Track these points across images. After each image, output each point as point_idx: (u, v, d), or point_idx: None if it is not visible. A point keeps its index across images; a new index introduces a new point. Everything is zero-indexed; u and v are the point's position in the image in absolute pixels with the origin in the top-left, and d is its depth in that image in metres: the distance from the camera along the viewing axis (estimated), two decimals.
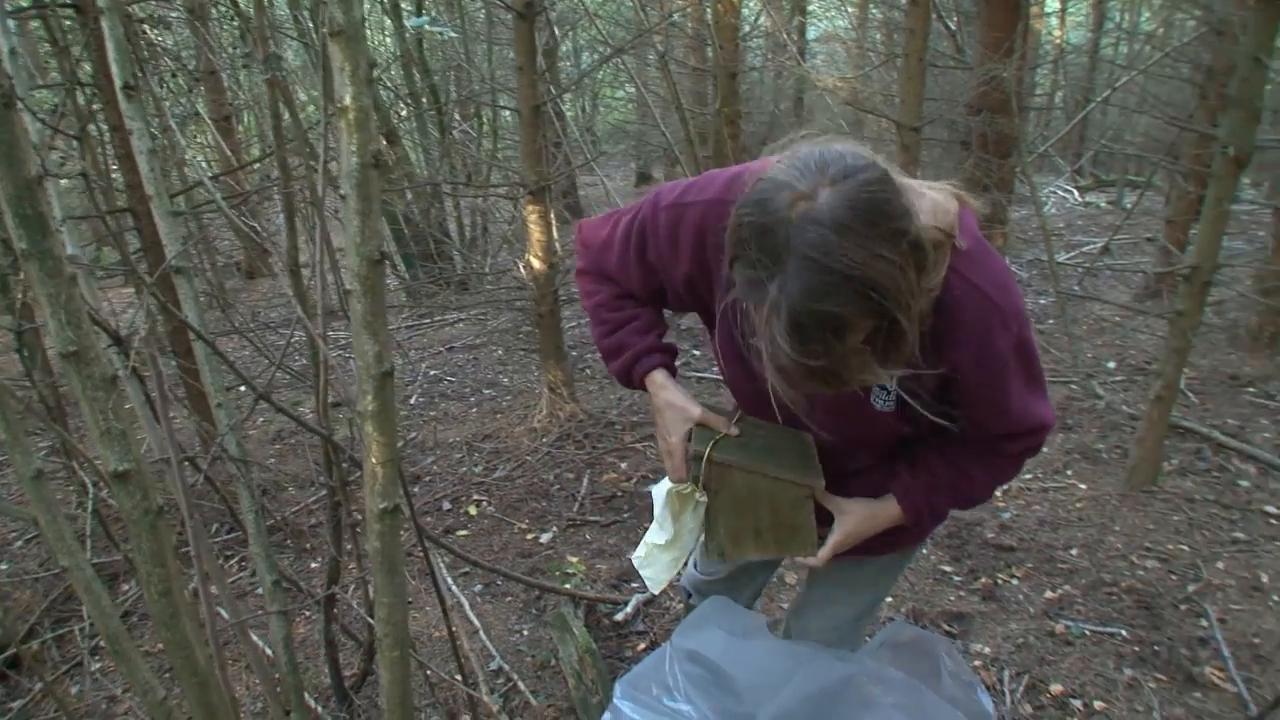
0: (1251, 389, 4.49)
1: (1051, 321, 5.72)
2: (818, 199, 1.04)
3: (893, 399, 1.39)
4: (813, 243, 1.02)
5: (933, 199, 1.26)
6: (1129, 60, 9.61)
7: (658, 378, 1.62)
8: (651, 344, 1.62)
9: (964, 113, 5.02)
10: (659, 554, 1.72)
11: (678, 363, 1.69)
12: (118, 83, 1.99)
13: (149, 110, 2.07)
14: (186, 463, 2.09)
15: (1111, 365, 4.93)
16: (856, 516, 1.57)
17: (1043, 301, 6.25)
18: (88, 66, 3.54)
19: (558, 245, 4.43)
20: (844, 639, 1.86)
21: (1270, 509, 3.34)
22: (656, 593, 1.74)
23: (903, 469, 1.55)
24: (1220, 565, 3.03)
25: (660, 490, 1.67)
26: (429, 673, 2.70)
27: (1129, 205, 7.83)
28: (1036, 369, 1.40)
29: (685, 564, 1.78)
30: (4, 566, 3.98)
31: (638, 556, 1.77)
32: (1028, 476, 3.76)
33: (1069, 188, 10.59)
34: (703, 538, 1.66)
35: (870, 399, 1.41)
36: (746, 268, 1.10)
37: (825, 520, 1.59)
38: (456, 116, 7.23)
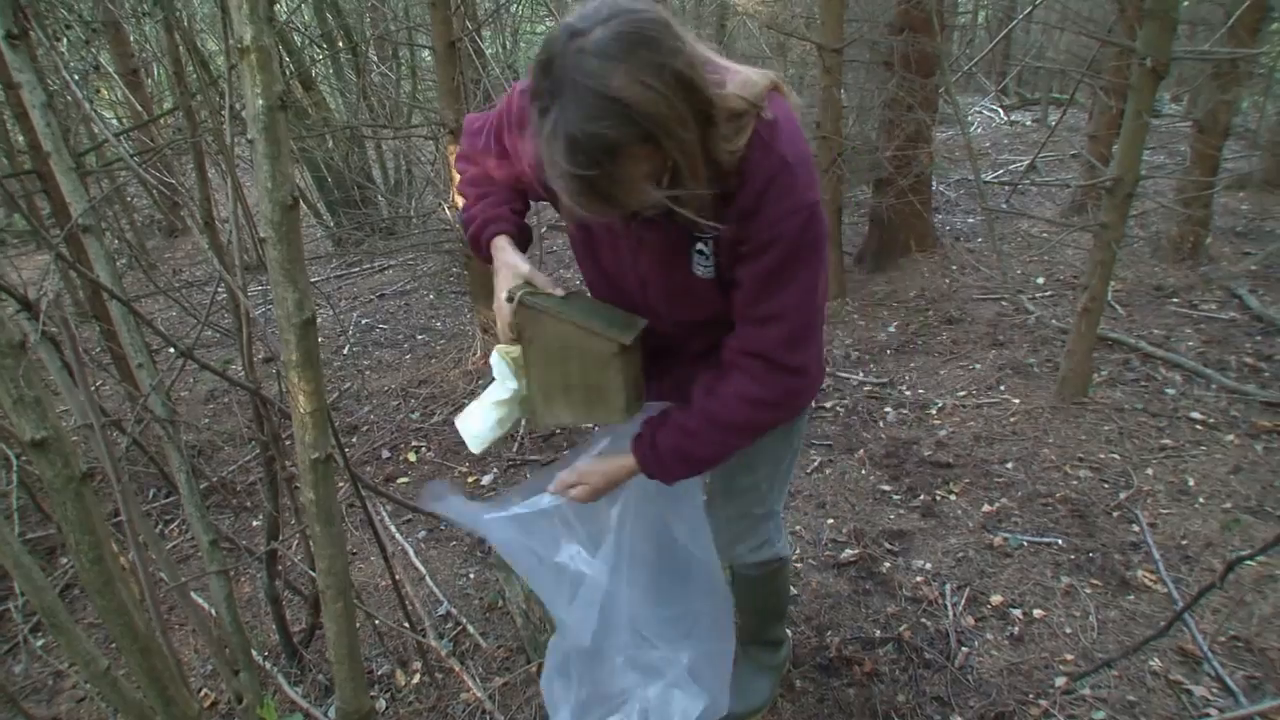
0: (1175, 299, 4.60)
1: (980, 240, 5.80)
2: (591, 34, 1.15)
3: (711, 265, 1.47)
4: (582, 69, 1.14)
5: (745, 75, 1.32)
6: None
7: (499, 241, 1.68)
8: (501, 214, 1.69)
9: (885, 32, 4.99)
10: (486, 411, 1.73)
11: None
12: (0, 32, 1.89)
13: (44, 64, 1.97)
14: (113, 427, 2.04)
15: (1040, 280, 5.01)
16: (595, 473, 1.69)
17: (971, 220, 6.32)
18: None
19: None
20: (756, 525, 1.95)
21: (1195, 415, 3.44)
22: (477, 452, 1.76)
23: (645, 423, 1.65)
24: (1149, 471, 3.12)
25: (495, 357, 1.70)
26: (377, 622, 2.69)
27: (1053, 123, 7.91)
28: (819, 284, 1.46)
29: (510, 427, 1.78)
30: None
31: (459, 417, 1.77)
32: (961, 393, 3.83)
33: (994, 107, 10.67)
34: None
35: (691, 265, 1.49)
36: (537, 101, 1.21)
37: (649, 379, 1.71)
38: (373, 57, 7.02)
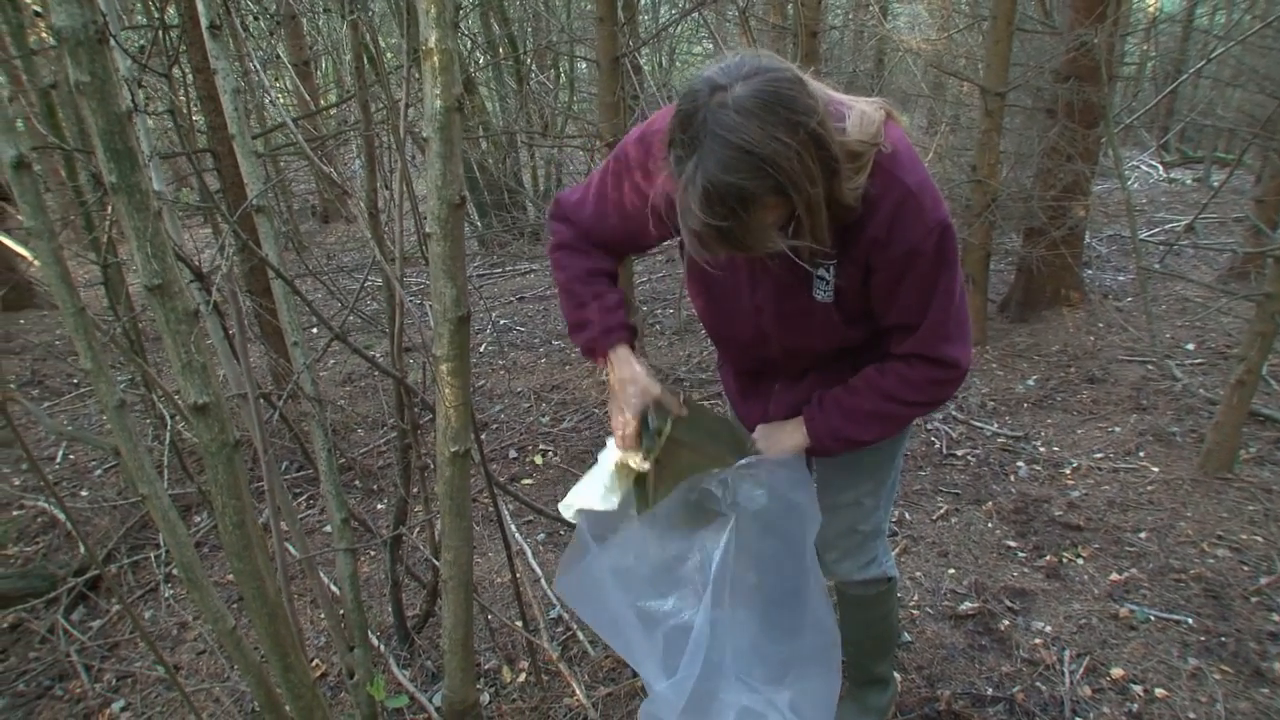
0: None
1: (1130, 299, 5.58)
2: (732, 90, 1.24)
3: (831, 289, 1.56)
4: (722, 123, 1.22)
5: (860, 110, 1.40)
6: (1226, 30, 9.23)
7: (622, 353, 1.74)
8: (618, 321, 1.75)
9: (1050, 79, 4.87)
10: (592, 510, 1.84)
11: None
12: (203, 22, 2.01)
13: (233, 51, 2.09)
14: (262, 399, 2.13)
15: (1191, 347, 4.79)
16: (764, 433, 1.80)
17: (1122, 278, 6.09)
18: (173, 9, 3.58)
19: None
20: (864, 542, 1.99)
21: None
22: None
23: (814, 398, 1.74)
24: None
25: (608, 456, 1.81)
26: (490, 617, 2.74)
27: (1216, 183, 7.57)
28: (956, 287, 1.53)
29: None
30: (85, 494, 4.12)
31: (566, 507, 1.87)
32: (1098, 455, 3.69)
33: (1153, 163, 10.26)
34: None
35: (812, 290, 1.57)
36: (675, 149, 1.30)
37: None
38: (533, 67, 7.21)
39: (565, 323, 1.85)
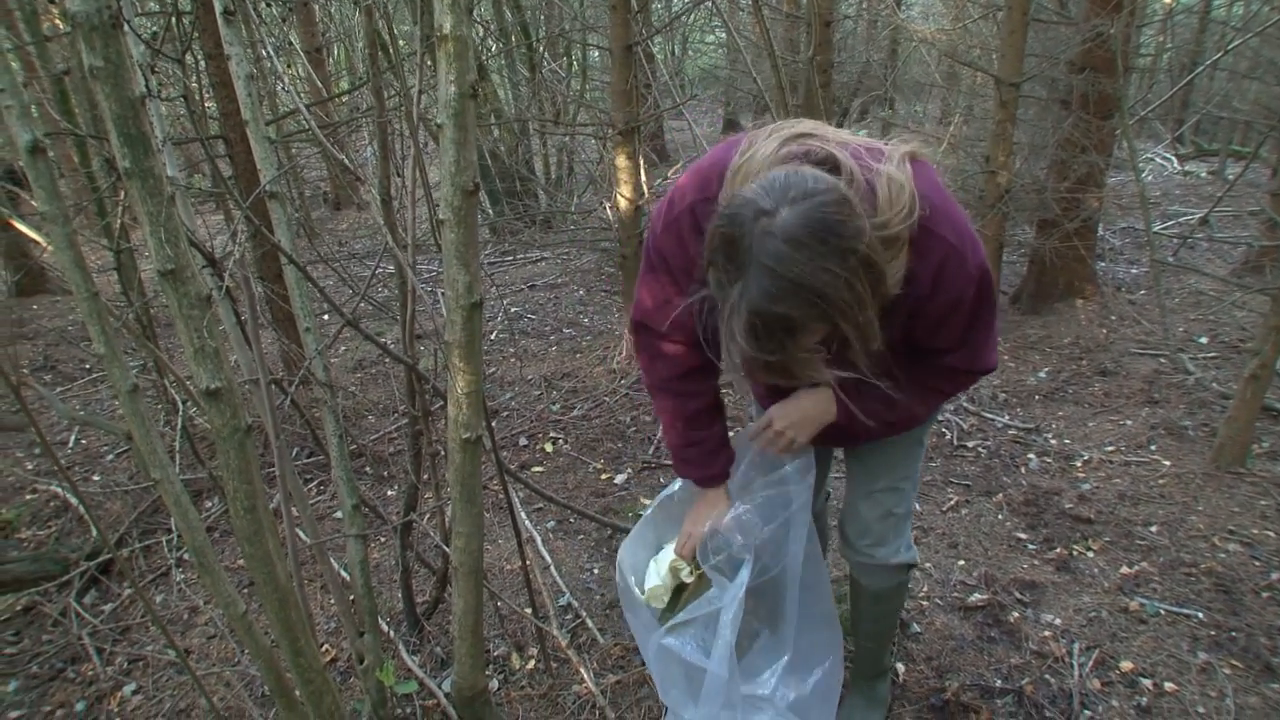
0: None
1: (1143, 292, 5.55)
2: (778, 216, 1.19)
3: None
4: (770, 253, 1.18)
5: (888, 177, 1.34)
6: (1243, 22, 9.15)
7: (712, 494, 1.94)
8: (717, 470, 1.91)
9: (1065, 70, 4.84)
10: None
11: None
12: (218, 7, 2.01)
13: (246, 37, 2.09)
14: (273, 385, 2.14)
15: (1204, 340, 4.77)
16: (788, 411, 1.79)
17: (1135, 271, 6.06)
18: None
19: (645, 187, 4.41)
20: (898, 525, 2.02)
21: None
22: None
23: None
24: None
25: (666, 555, 2.02)
26: (499, 604, 2.75)
27: (1231, 176, 7.52)
28: (993, 313, 1.58)
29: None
30: (97, 478, 4.14)
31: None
32: (1110, 448, 3.68)
33: (1168, 155, 10.19)
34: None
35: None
36: (717, 272, 1.27)
37: None
38: (546, 54, 7.20)
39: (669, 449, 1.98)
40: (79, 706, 2.68)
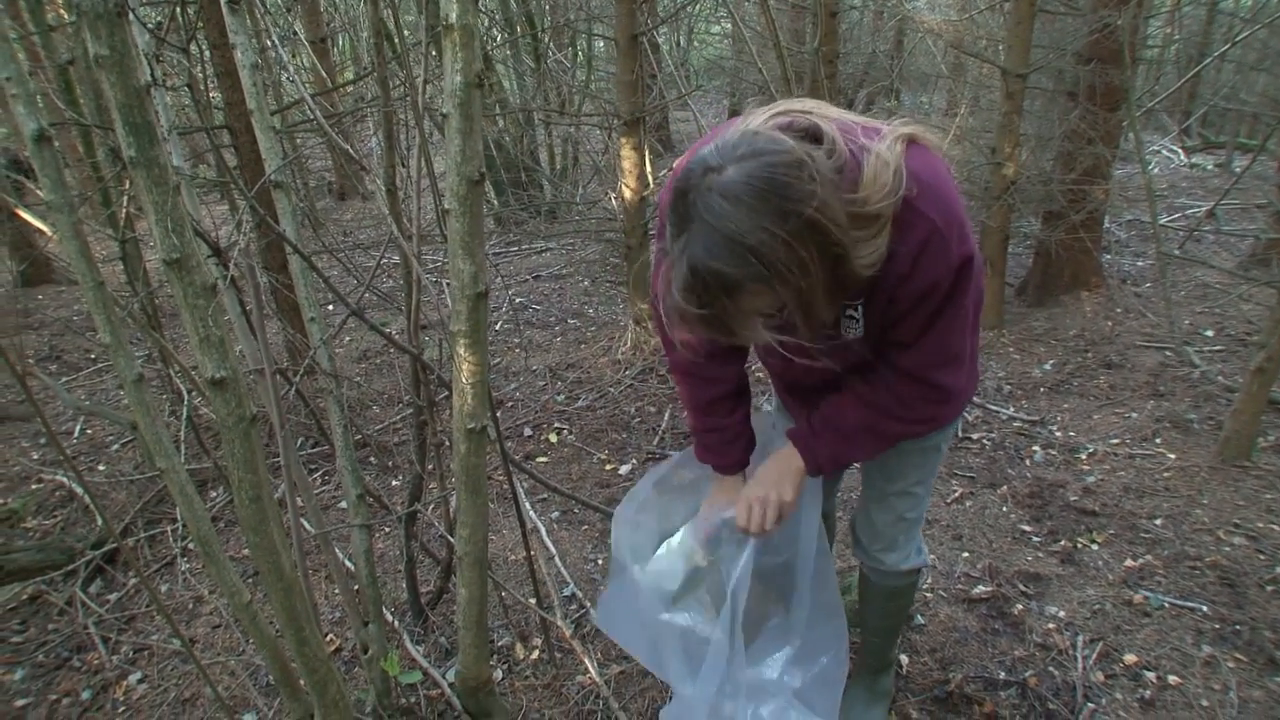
0: None
1: (1149, 285, 5.54)
2: (724, 172, 1.19)
3: (860, 326, 1.53)
4: (710, 208, 1.18)
5: (877, 155, 1.30)
6: (1252, 13, 9.11)
7: (729, 480, 1.93)
8: (734, 459, 1.91)
9: (1072, 62, 4.82)
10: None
11: None
12: None
13: (250, 27, 2.09)
14: (278, 375, 2.14)
15: (1210, 333, 4.76)
16: (761, 477, 1.78)
17: (1140, 264, 6.05)
18: None
19: (650, 178, 4.40)
20: (909, 530, 2.00)
21: None
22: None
23: (803, 420, 1.77)
24: None
25: (683, 541, 1.98)
26: (504, 594, 2.75)
27: (1238, 169, 7.49)
28: (965, 316, 1.51)
29: None
30: (102, 468, 4.15)
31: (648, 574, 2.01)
32: (1115, 441, 3.67)
33: (1174, 148, 10.16)
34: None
35: (842, 330, 1.54)
36: (668, 227, 1.27)
37: None
38: (551, 45, 7.19)
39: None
40: (85, 695, 2.69)
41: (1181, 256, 5.64)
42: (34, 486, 4.02)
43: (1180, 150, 10.06)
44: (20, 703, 2.69)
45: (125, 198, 2.99)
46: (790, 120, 1.30)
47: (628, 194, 4.29)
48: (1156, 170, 9.22)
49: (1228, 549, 2.93)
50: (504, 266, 7.00)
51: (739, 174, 1.18)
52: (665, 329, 1.80)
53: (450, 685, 2.34)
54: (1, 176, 5.74)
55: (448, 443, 2.56)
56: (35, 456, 4.35)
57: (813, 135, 1.28)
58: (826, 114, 1.35)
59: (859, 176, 1.28)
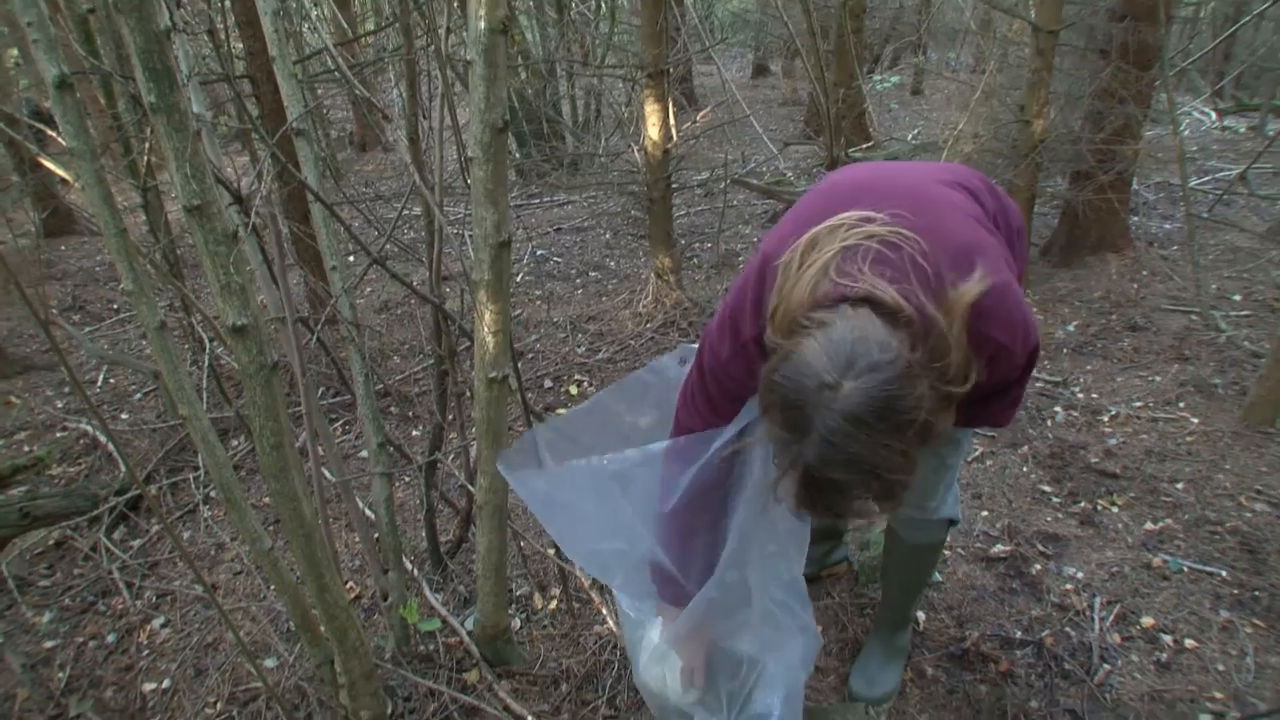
0: None
1: (1176, 248, 5.47)
2: (840, 390, 1.20)
3: None
4: (831, 428, 1.20)
5: (953, 344, 1.29)
6: None
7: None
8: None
9: (1105, 18, 4.72)
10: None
11: None
12: None
13: None
14: (299, 323, 2.14)
15: (1237, 298, 4.70)
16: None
17: (1168, 227, 5.96)
18: None
19: (673, 131, 4.37)
20: (948, 477, 1.99)
21: None
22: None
23: None
24: None
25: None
26: (523, 544, 2.77)
27: (1271, 132, 7.36)
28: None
29: None
30: (125, 417, 4.19)
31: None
32: (1138, 404, 3.64)
33: (1206, 110, 9.98)
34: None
35: None
36: (774, 427, 1.29)
37: None
38: None
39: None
40: (110, 638, 2.74)
41: (1211, 219, 5.56)
42: (58, 435, 4.06)
43: (1212, 112, 9.88)
44: (49, 644, 2.74)
45: (146, 145, 2.99)
46: (840, 292, 1.28)
47: (650, 147, 4.25)
48: (1187, 132, 9.07)
49: (1249, 515, 2.90)
50: (526, 219, 6.99)
51: (858, 396, 1.19)
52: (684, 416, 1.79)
53: (468, 633, 2.36)
54: (24, 126, 5.74)
55: (468, 393, 2.57)
56: (60, 405, 4.39)
57: (872, 304, 1.27)
58: (879, 233, 1.33)
59: (929, 333, 1.28)
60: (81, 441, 3.92)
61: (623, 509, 1.79)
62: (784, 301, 1.32)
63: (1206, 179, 7.05)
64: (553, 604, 2.64)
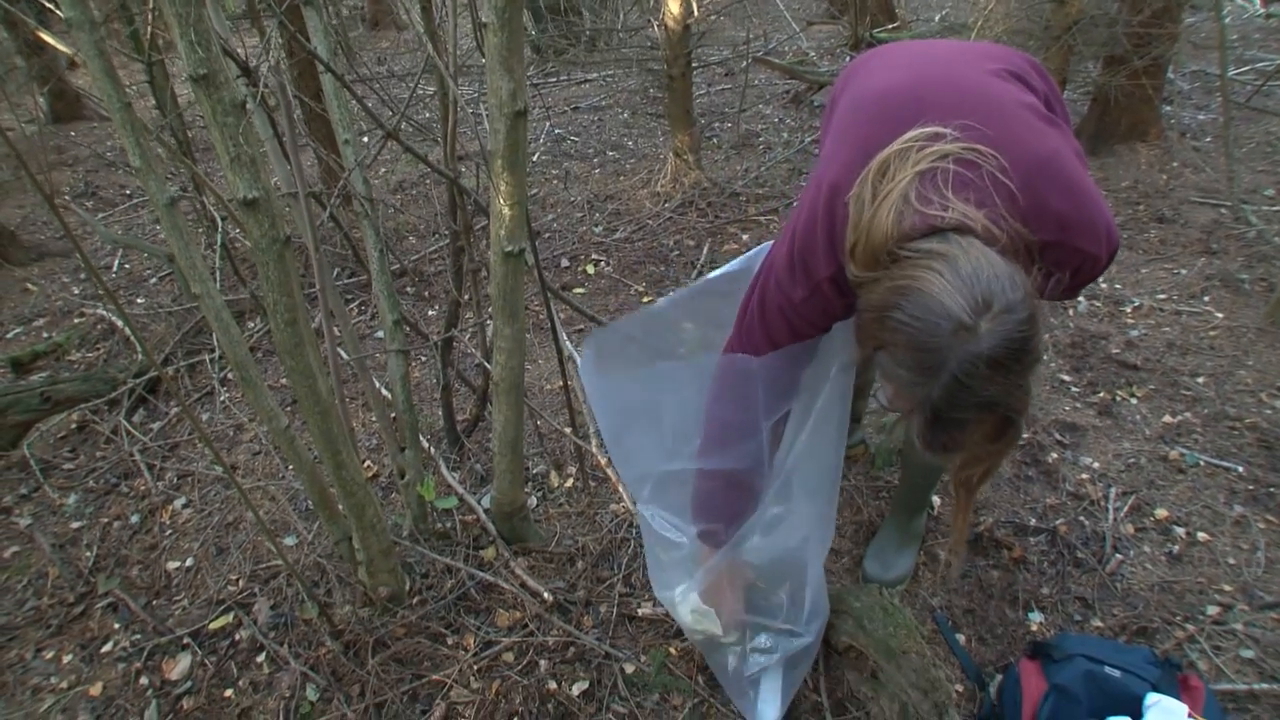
0: None
1: (1210, 139, 5.32)
2: (978, 333, 1.14)
3: None
4: (968, 371, 1.15)
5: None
6: None
7: None
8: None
9: None
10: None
11: None
12: None
13: None
14: (312, 199, 2.10)
15: (1270, 193, 4.58)
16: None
17: (1202, 118, 5.79)
18: None
19: (694, 5, 4.24)
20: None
21: None
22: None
23: None
24: None
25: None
26: (539, 422, 2.78)
27: None
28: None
29: None
30: (141, 301, 4.19)
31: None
32: (1161, 296, 3.59)
33: None
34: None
35: None
36: (898, 367, 1.22)
37: None
38: None
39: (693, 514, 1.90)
40: (134, 519, 2.78)
41: (1249, 107, 5.40)
42: (76, 321, 4.07)
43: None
44: (75, 525, 2.79)
45: (149, 12, 2.90)
46: (928, 223, 1.22)
47: (670, 22, 4.13)
48: (1229, 19, 8.74)
49: (1269, 412, 2.88)
50: (542, 97, 6.87)
51: (995, 339, 1.14)
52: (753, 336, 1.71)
53: (485, 511, 2.39)
54: (24, 5, 5.61)
55: (485, 271, 2.54)
56: (76, 292, 4.40)
57: (965, 233, 1.23)
58: (976, 154, 1.28)
59: (1022, 249, 1.27)
60: (99, 327, 3.93)
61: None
62: (863, 236, 1.26)
63: (1246, 69, 6.82)
64: (569, 482, 2.65)
